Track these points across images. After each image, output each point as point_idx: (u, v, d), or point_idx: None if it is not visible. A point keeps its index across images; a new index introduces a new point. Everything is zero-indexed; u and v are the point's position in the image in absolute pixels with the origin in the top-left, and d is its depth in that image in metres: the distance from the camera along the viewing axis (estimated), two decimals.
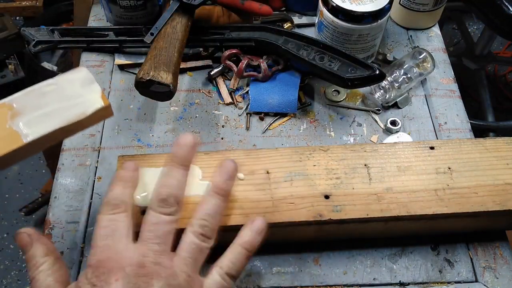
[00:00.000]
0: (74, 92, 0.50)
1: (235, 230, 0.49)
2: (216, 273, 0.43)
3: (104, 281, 0.39)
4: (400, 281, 0.56)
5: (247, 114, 0.70)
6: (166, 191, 0.44)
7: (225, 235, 0.46)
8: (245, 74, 0.71)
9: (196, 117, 0.70)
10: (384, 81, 0.68)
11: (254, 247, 0.45)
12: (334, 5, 0.67)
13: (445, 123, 0.69)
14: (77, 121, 0.48)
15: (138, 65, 0.75)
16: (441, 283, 0.56)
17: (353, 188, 0.54)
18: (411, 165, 0.56)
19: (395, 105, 0.71)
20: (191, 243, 0.43)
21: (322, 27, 0.71)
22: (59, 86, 0.50)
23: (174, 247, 0.43)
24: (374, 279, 0.56)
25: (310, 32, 0.77)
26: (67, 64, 1.77)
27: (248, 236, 0.45)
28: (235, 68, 0.72)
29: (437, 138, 0.68)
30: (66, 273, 0.43)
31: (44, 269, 0.42)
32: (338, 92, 0.73)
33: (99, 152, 0.66)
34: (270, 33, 0.71)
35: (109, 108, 0.50)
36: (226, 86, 0.73)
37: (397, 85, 0.70)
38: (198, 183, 0.53)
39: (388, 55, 0.77)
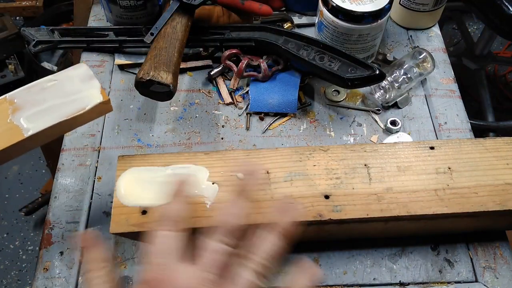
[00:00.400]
0: (74, 87, 0.51)
1: None
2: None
3: None
4: (400, 281, 0.56)
5: (247, 114, 0.70)
6: (234, 222, 0.42)
7: None
8: (245, 74, 0.71)
9: (196, 117, 0.70)
10: (384, 81, 0.68)
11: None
12: (334, 5, 0.67)
13: (445, 123, 0.69)
14: (77, 116, 0.49)
15: (138, 65, 0.75)
16: (441, 283, 0.56)
17: (353, 188, 0.54)
18: (411, 165, 0.56)
19: (395, 105, 0.71)
20: (246, 279, 0.41)
21: (322, 27, 0.71)
22: (59, 82, 0.51)
23: (225, 276, 0.42)
24: (374, 279, 0.56)
25: (310, 32, 0.77)
26: (67, 64, 1.76)
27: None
28: (235, 68, 0.72)
29: (437, 138, 0.68)
30: (118, 284, 0.43)
31: (102, 275, 0.41)
32: (338, 92, 0.73)
33: (99, 152, 0.66)
34: (270, 33, 0.71)
35: (108, 103, 0.51)
36: (226, 86, 0.73)
37: (397, 85, 0.70)
38: (205, 184, 0.53)
39: (388, 55, 0.77)
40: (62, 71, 0.52)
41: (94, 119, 0.51)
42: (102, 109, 0.51)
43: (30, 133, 0.47)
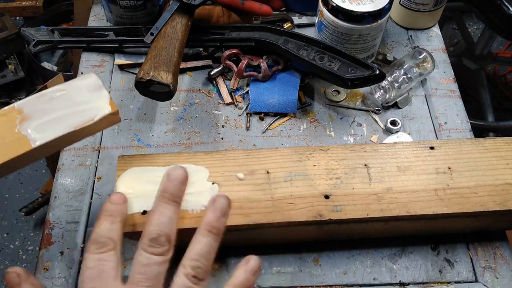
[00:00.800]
0: (82, 98, 0.50)
1: (235, 230, 0.50)
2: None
3: None
4: (400, 281, 0.56)
5: (247, 114, 0.70)
6: (157, 230, 0.42)
7: (224, 235, 0.46)
8: (245, 74, 0.71)
9: (196, 117, 0.70)
10: (384, 81, 0.68)
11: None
12: (334, 5, 0.67)
13: (445, 123, 0.69)
14: (85, 127, 0.49)
15: (138, 65, 0.75)
16: (441, 283, 0.56)
17: (353, 188, 0.54)
18: (411, 165, 0.56)
19: (395, 105, 0.71)
20: (184, 286, 0.41)
21: (322, 27, 0.71)
22: (68, 92, 0.50)
23: (165, 286, 0.42)
24: (374, 279, 0.56)
25: (310, 32, 0.77)
26: (67, 64, 1.76)
27: (243, 277, 0.43)
28: (235, 68, 0.72)
29: (437, 138, 0.68)
30: None
31: None
32: (338, 92, 0.73)
33: (99, 152, 0.66)
34: (270, 33, 0.71)
35: (117, 114, 0.50)
36: (226, 86, 0.73)
37: (397, 85, 0.70)
38: (205, 184, 0.53)
39: (388, 55, 0.77)
40: (71, 80, 0.52)
41: (103, 129, 0.51)
42: (110, 120, 0.50)
43: (38, 143, 0.47)
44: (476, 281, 0.56)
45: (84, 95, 0.50)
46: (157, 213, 0.44)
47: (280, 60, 0.72)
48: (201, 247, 0.43)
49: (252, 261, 0.44)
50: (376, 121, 0.70)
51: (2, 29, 1.66)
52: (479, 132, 1.57)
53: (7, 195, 1.59)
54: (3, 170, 0.47)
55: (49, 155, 0.50)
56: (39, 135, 0.47)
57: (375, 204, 0.53)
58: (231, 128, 0.69)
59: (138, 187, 0.52)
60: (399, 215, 0.52)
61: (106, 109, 0.50)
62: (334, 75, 0.65)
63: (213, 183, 0.53)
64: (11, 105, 0.49)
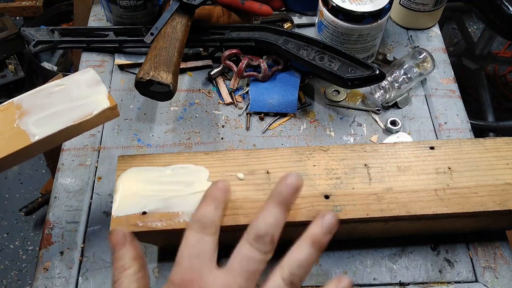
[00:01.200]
0: (81, 92, 0.50)
1: (235, 230, 0.49)
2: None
3: None
4: (400, 281, 0.56)
5: (247, 114, 0.70)
6: (266, 228, 0.42)
7: (225, 235, 0.46)
8: (245, 74, 0.71)
9: (196, 117, 0.70)
10: (384, 81, 0.68)
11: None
12: (334, 5, 0.67)
13: (445, 123, 0.69)
14: (83, 121, 0.49)
15: (138, 65, 0.75)
16: (441, 283, 0.56)
17: (353, 188, 0.54)
18: (411, 165, 0.56)
19: (395, 105, 0.71)
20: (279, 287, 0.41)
21: (322, 27, 0.71)
22: (67, 87, 0.51)
23: (256, 285, 0.42)
24: (374, 279, 0.56)
25: (310, 32, 0.77)
26: (67, 64, 1.76)
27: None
28: (235, 68, 0.72)
29: (437, 138, 0.68)
30: (148, 283, 0.42)
31: (130, 274, 0.41)
32: (338, 92, 0.73)
33: (99, 152, 0.66)
34: (270, 33, 0.71)
35: (115, 108, 0.51)
36: (226, 86, 0.73)
37: (397, 85, 0.70)
38: (205, 184, 0.53)
39: (388, 55, 0.77)
40: (70, 75, 0.52)
41: (101, 124, 0.51)
42: (109, 114, 0.51)
43: (37, 138, 0.47)
44: (476, 281, 0.56)
45: (83, 90, 0.51)
46: (267, 212, 0.43)
47: (280, 60, 0.72)
48: (303, 257, 0.42)
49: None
50: (376, 121, 0.70)
51: (2, 29, 1.66)
52: (479, 132, 1.57)
53: (7, 195, 1.59)
54: (2, 165, 0.47)
55: (49, 153, 0.50)
56: (38, 129, 0.48)
57: (375, 204, 0.53)
58: (231, 128, 0.69)
59: (139, 188, 0.52)
60: (399, 215, 0.52)
61: (105, 104, 0.50)
62: (334, 75, 0.65)
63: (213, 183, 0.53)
64: (10, 100, 0.50)
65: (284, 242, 0.57)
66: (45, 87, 0.50)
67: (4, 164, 0.47)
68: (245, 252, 0.41)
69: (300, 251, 0.42)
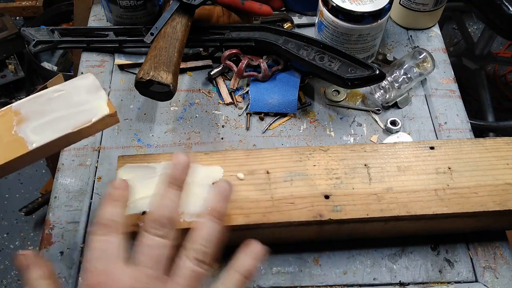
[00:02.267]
0: (80, 98, 0.50)
1: (235, 230, 0.50)
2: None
3: None
4: (400, 281, 0.56)
5: (247, 114, 0.70)
6: (161, 213, 0.43)
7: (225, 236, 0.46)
8: (245, 74, 0.71)
9: (196, 117, 0.70)
10: (384, 81, 0.68)
11: (252, 274, 0.43)
12: (334, 5, 0.67)
13: (445, 123, 0.69)
14: (82, 129, 0.48)
15: (138, 65, 0.75)
16: (441, 283, 0.56)
17: (353, 188, 0.54)
18: (411, 165, 0.56)
19: (395, 105, 0.71)
20: (187, 269, 0.41)
21: (322, 27, 0.71)
22: (66, 92, 0.50)
23: (168, 271, 0.42)
24: (374, 279, 0.56)
25: (310, 32, 0.77)
26: (67, 64, 1.76)
27: (246, 262, 0.42)
28: (235, 68, 0.72)
29: (437, 138, 0.68)
30: None
31: None
32: (338, 92, 0.73)
33: (99, 152, 0.66)
34: (270, 33, 0.71)
35: (115, 115, 0.50)
36: (226, 86, 0.73)
37: (397, 85, 0.70)
38: (207, 183, 0.53)
39: (388, 55, 0.77)
40: (69, 81, 0.51)
41: (100, 130, 0.50)
42: (108, 121, 0.50)
43: (35, 146, 0.46)
44: (476, 281, 0.56)
45: (82, 96, 0.50)
46: (160, 196, 0.44)
47: (280, 60, 0.72)
48: (204, 231, 0.43)
49: (254, 245, 0.43)
50: (376, 121, 0.70)
51: (2, 29, 1.66)
52: (479, 132, 1.57)
53: (7, 195, 1.59)
54: (0, 172, 0.47)
55: (48, 155, 0.50)
56: (36, 137, 0.47)
57: (375, 204, 0.53)
58: (231, 128, 0.69)
59: (138, 187, 0.51)
60: (399, 215, 0.52)
61: (104, 111, 0.49)
62: (334, 75, 0.65)
63: (213, 183, 0.53)
64: (8, 106, 0.49)
65: (284, 242, 0.57)
66: (44, 93, 0.50)
67: (1, 171, 0.47)
68: (145, 241, 0.42)
69: (201, 227, 0.43)
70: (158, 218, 0.42)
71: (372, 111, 0.71)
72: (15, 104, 0.49)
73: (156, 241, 0.42)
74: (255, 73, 0.71)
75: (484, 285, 0.56)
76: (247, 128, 0.69)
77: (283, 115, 0.70)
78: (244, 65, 0.70)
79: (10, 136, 0.47)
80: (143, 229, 0.43)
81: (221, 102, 0.72)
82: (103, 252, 0.42)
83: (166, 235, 0.42)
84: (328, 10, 0.68)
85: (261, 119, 0.70)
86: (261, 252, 0.44)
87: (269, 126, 0.69)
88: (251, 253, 0.43)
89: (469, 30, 1.90)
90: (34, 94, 0.50)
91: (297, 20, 0.80)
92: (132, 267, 0.41)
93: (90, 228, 0.43)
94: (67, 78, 0.70)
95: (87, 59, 0.76)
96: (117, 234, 0.43)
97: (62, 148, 0.49)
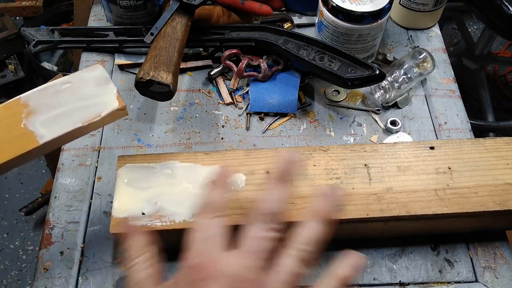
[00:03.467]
0: (89, 91, 0.49)
1: (235, 230, 0.49)
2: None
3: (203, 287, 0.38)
4: (400, 281, 0.56)
5: (247, 114, 0.70)
6: (272, 207, 0.42)
7: None
8: (245, 74, 0.71)
9: (196, 117, 0.70)
10: (384, 81, 0.68)
11: (350, 284, 0.42)
12: (334, 5, 0.67)
13: (445, 123, 0.69)
14: (92, 123, 0.48)
15: (138, 65, 0.75)
16: (441, 283, 0.56)
17: (353, 188, 0.54)
18: (411, 165, 0.56)
19: (395, 105, 0.71)
20: (290, 267, 0.41)
21: (322, 27, 0.71)
22: (75, 85, 0.49)
23: (269, 264, 0.41)
24: (374, 279, 0.56)
25: (310, 32, 0.77)
26: (67, 64, 1.76)
27: (345, 271, 0.42)
28: (235, 68, 0.72)
29: (437, 138, 0.68)
30: (160, 268, 0.42)
31: (140, 262, 0.41)
32: (338, 92, 0.73)
33: (99, 152, 0.66)
34: (270, 33, 0.71)
35: (124, 108, 0.49)
36: (226, 86, 0.73)
37: (397, 85, 0.70)
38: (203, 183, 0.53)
39: (388, 55, 0.77)
40: (77, 72, 0.50)
41: (108, 123, 0.50)
42: (117, 114, 0.49)
43: (45, 140, 0.46)
44: (476, 281, 0.56)
45: (91, 89, 0.49)
46: (271, 191, 0.44)
47: (280, 60, 0.72)
48: (312, 232, 0.42)
49: (356, 257, 0.43)
50: (376, 121, 0.70)
51: (2, 29, 1.66)
52: (479, 132, 1.57)
53: (7, 195, 1.59)
54: (8, 166, 0.46)
55: (49, 153, 0.49)
56: (45, 130, 0.46)
57: (375, 204, 0.53)
58: (231, 128, 0.69)
59: (138, 188, 0.52)
60: (399, 215, 0.52)
61: (114, 104, 0.49)
62: (334, 75, 0.65)
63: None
64: (17, 98, 0.48)
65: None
66: (52, 84, 0.49)
67: (10, 164, 0.46)
68: (255, 232, 0.41)
69: (308, 228, 0.43)
70: (268, 211, 0.42)
71: (372, 111, 0.71)
72: (24, 95, 0.48)
73: (264, 234, 0.41)
74: (255, 73, 0.71)
75: (484, 285, 0.56)
76: (247, 128, 0.69)
77: (283, 115, 0.70)
78: (244, 65, 0.70)
79: (20, 129, 0.46)
80: (254, 220, 0.42)
81: (221, 102, 0.72)
82: (209, 234, 0.41)
83: (275, 228, 0.42)
84: (328, 10, 0.68)
85: (261, 119, 0.70)
86: (362, 263, 0.43)
87: (269, 126, 0.69)
88: (351, 262, 0.42)
89: (469, 30, 1.90)
90: (42, 86, 0.49)
91: (297, 20, 0.80)
92: (237, 254, 0.41)
93: (195, 212, 0.42)
94: None
95: (87, 59, 0.76)
96: (223, 219, 0.42)
97: (69, 141, 0.49)
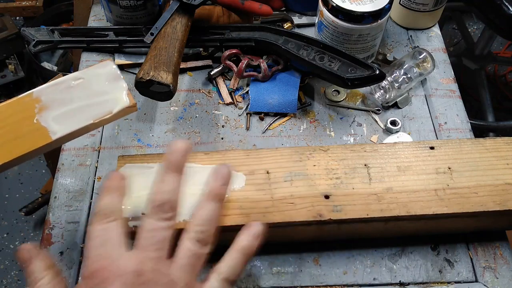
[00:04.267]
0: (100, 87, 0.49)
1: (235, 230, 0.49)
2: (214, 279, 0.43)
3: None
4: (400, 281, 0.56)
5: (247, 114, 0.70)
6: (161, 198, 0.43)
7: (225, 235, 0.46)
8: (245, 74, 0.71)
9: (196, 117, 0.70)
10: (384, 81, 0.68)
11: (252, 252, 0.44)
12: (334, 5, 0.67)
13: (445, 123, 0.69)
14: (103, 119, 0.48)
15: (138, 65, 0.75)
16: (441, 283, 0.56)
17: (353, 188, 0.54)
18: (411, 165, 0.56)
19: (395, 105, 0.71)
20: (188, 250, 0.42)
21: (322, 27, 0.71)
22: (86, 80, 0.49)
23: (170, 254, 0.42)
24: (374, 279, 0.56)
25: (310, 32, 0.77)
26: (67, 64, 1.76)
27: (246, 241, 0.44)
28: (235, 68, 0.72)
29: (437, 138, 0.68)
30: (66, 286, 0.42)
31: (43, 284, 0.41)
32: (338, 92, 0.73)
33: (99, 152, 0.66)
34: (270, 33, 0.71)
35: (135, 106, 0.50)
36: (226, 86, 0.73)
37: (397, 85, 0.70)
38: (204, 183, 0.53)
39: (388, 55, 0.77)
40: (89, 68, 0.51)
41: (117, 119, 0.50)
42: (127, 111, 0.50)
43: (57, 136, 0.46)
44: (476, 281, 0.56)
45: (102, 85, 0.49)
46: (160, 182, 0.45)
47: (280, 60, 0.72)
48: (204, 212, 0.44)
49: (254, 225, 0.45)
50: (376, 121, 0.70)
51: (2, 29, 1.66)
52: (479, 132, 1.57)
53: (7, 195, 1.59)
54: (20, 160, 0.47)
55: (49, 153, 0.50)
56: (58, 126, 0.47)
57: (375, 204, 0.53)
58: (231, 128, 0.69)
59: (138, 188, 0.51)
60: (399, 215, 0.52)
61: (125, 102, 0.49)
62: (334, 75, 0.65)
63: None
64: (29, 92, 0.48)
65: (284, 242, 0.57)
66: (64, 80, 0.49)
67: (21, 159, 0.46)
68: (147, 226, 0.42)
69: (201, 209, 0.44)
70: (159, 203, 0.43)
71: (372, 111, 0.71)
72: (35, 90, 0.48)
73: (158, 225, 0.42)
74: (255, 73, 0.71)
75: (484, 285, 0.56)
76: (247, 128, 0.69)
77: (283, 115, 0.70)
78: (244, 65, 0.70)
79: (32, 124, 0.47)
80: (145, 216, 0.43)
81: (221, 102, 0.72)
82: (104, 239, 0.42)
83: (168, 218, 0.43)
84: (328, 10, 0.68)
85: (261, 119, 0.70)
86: (260, 231, 0.45)
87: (269, 126, 0.69)
88: (250, 232, 0.45)
89: (469, 30, 1.90)
90: (54, 81, 0.49)
91: (297, 20, 0.80)
92: (135, 251, 0.41)
93: (90, 222, 0.43)
94: None
95: (87, 59, 0.76)
96: (117, 222, 0.43)
97: (78, 136, 0.49)
